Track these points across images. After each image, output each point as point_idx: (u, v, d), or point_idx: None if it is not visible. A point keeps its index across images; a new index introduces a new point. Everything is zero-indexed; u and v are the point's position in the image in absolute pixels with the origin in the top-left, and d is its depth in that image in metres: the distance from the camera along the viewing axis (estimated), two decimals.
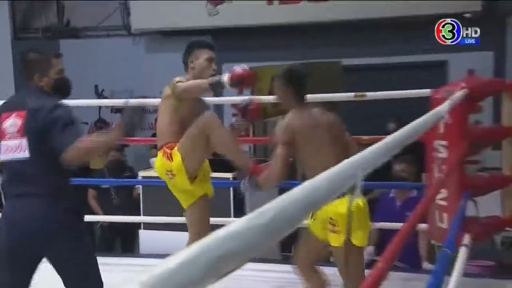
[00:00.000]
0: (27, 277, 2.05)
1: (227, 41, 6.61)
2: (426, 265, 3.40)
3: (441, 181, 1.90)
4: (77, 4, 7.39)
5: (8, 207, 2.07)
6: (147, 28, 6.87)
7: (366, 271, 2.41)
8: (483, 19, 5.18)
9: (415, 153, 3.48)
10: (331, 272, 2.53)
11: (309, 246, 2.50)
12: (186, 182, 2.42)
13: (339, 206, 2.17)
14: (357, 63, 6.42)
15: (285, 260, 3.75)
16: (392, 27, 6.12)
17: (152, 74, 6.90)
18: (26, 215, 2.00)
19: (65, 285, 2.06)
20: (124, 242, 4.99)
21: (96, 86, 7.29)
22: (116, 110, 7.29)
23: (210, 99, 3.13)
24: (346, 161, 0.91)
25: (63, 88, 2.21)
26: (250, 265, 2.39)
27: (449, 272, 1.94)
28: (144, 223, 4.18)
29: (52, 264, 2.06)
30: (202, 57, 2.53)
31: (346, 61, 6.38)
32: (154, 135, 6.77)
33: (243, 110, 2.57)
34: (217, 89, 2.44)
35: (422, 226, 2.87)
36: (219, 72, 2.57)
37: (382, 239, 3.56)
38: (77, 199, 2.34)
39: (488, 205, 3.34)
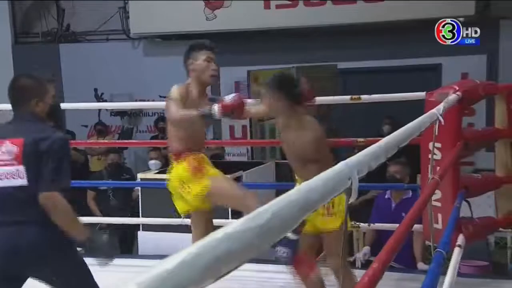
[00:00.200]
0: None
1: (225, 45, 6.64)
2: (420, 265, 3.44)
3: (436, 182, 1.95)
4: (77, 9, 7.43)
5: (1, 234, 2.02)
6: (146, 32, 6.90)
7: (362, 272, 2.46)
8: (476, 23, 5.24)
9: (409, 155, 3.54)
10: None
11: (302, 241, 2.56)
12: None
13: None
14: (353, 66, 6.49)
15: None
16: (387, 31, 6.17)
17: (151, 78, 6.95)
18: (25, 243, 1.98)
19: None
20: (122, 243, 5.03)
21: (95, 90, 7.32)
22: (116, 113, 7.33)
23: None
24: (342, 162, 0.93)
25: (55, 114, 2.21)
26: (252, 266, 2.43)
27: (443, 272, 1.98)
28: (143, 225, 4.22)
29: (51, 285, 2.07)
30: (200, 58, 2.53)
31: (342, 65, 6.44)
32: (153, 137, 6.86)
33: (229, 106, 2.43)
34: (209, 119, 2.42)
35: (417, 227, 2.92)
36: (217, 76, 2.60)
37: (377, 240, 3.61)
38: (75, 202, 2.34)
39: (481, 206, 3.40)
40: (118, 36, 7.29)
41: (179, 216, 2.74)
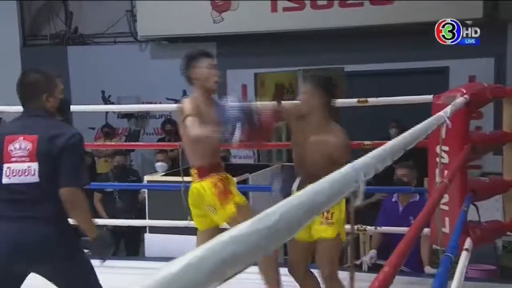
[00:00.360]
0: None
1: (232, 48, 6.68)
2: (428, 269, 3.43)
3: (445, 186, 1.93)
4: (84, 11, 7.48)
5: (8, 228, 2.01)
6: (153, 35, 6.93)
7: (370, 275, 2.46)
8: (484, 25, 5.22)
9: (417, 158, 3.52)
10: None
11: (297, 249, 2.56)
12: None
13: None
14: (360, 69, 6.48)
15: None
16: (394, 34, 6.16)
17: (158, 80, 6.98)
18: (32, 239, 1.97)
19: None
20: (128, 245, 5.05)
21: (103, 92, 7.36)
22: (123, 115, 7.37)
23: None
24: (348, 165, 0.92)
25: (64, 108, 2.20)
26: (257, 269, 2.43)
27: (451, 276, 1.97)
28: (150, 227, 4.23)
29: (53, 282, 2.07)
30: (201, 66, 2.49)
31: (349, 67, 6.43)
32: (160, 140, 6.88)
33: (253, 135, 2.29)
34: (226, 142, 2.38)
35: (424, 230, 2.90)
36: (223, 78, 2.60)
37: (384, 243, 3.60)
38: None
39: (489, 210, 3.38)
40: (126, 38, 7.33)
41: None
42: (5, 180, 2.03)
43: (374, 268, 3.41)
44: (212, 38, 6.67)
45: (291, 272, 2.62)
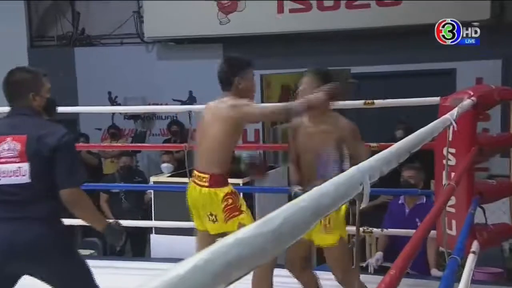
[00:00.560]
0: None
1: (238, 49, 6.68)
2: (434, 271, 3.41)
3: (452, 188, 1.93)
4: (91, 13, 7.52)
5: (1, 230, 1.99)
6: (159, 36, 6.95)
7: (377, 277, 2.46)
8: (491, 27, 5.19)
9: (424, 160, 3.51)
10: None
11: (295, 247, 2.57)
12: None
13: None
14: (367, 71, 6.46)
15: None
16: (400, 36, 6.14)
17: (164, 81, 7.00)
18: (26, 239, 1.95)
19: None
20: (134, 246, 5.07)
21: (109, 93, 7.38)
22: (129, 116, 7.39)
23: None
24: (354, 167, 0.93)
25: (51, 108, 2.16)
26: None
27: (457, 279, 1.96)
28: (156, 228, 4.24)
29: (49, 283, 2.05)
30: (249, 78, 2.47)
31: (356, 69, 6.41)
32: (166, 141, 6.90)
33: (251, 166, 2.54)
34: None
35: (431, 233, 2.89)
36: None
37: (390, 245, 3.59)
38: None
39: (496, 212, 3.36)
40: (132, 40, 7.35)
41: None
42: None
43: (380, 270, 3.40)
44: (218, 40, 6.68)
45: (288, 267, 2.65)
